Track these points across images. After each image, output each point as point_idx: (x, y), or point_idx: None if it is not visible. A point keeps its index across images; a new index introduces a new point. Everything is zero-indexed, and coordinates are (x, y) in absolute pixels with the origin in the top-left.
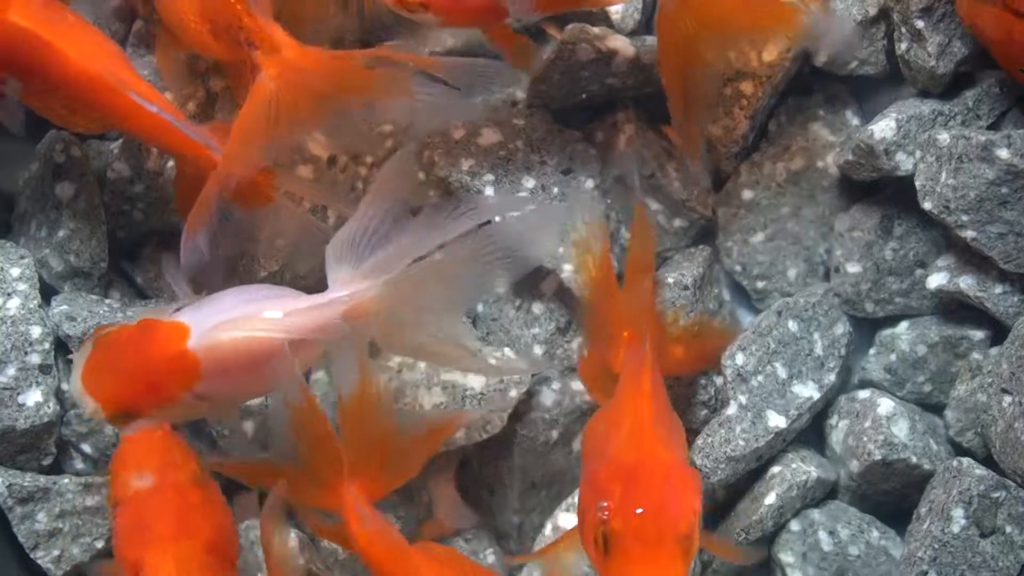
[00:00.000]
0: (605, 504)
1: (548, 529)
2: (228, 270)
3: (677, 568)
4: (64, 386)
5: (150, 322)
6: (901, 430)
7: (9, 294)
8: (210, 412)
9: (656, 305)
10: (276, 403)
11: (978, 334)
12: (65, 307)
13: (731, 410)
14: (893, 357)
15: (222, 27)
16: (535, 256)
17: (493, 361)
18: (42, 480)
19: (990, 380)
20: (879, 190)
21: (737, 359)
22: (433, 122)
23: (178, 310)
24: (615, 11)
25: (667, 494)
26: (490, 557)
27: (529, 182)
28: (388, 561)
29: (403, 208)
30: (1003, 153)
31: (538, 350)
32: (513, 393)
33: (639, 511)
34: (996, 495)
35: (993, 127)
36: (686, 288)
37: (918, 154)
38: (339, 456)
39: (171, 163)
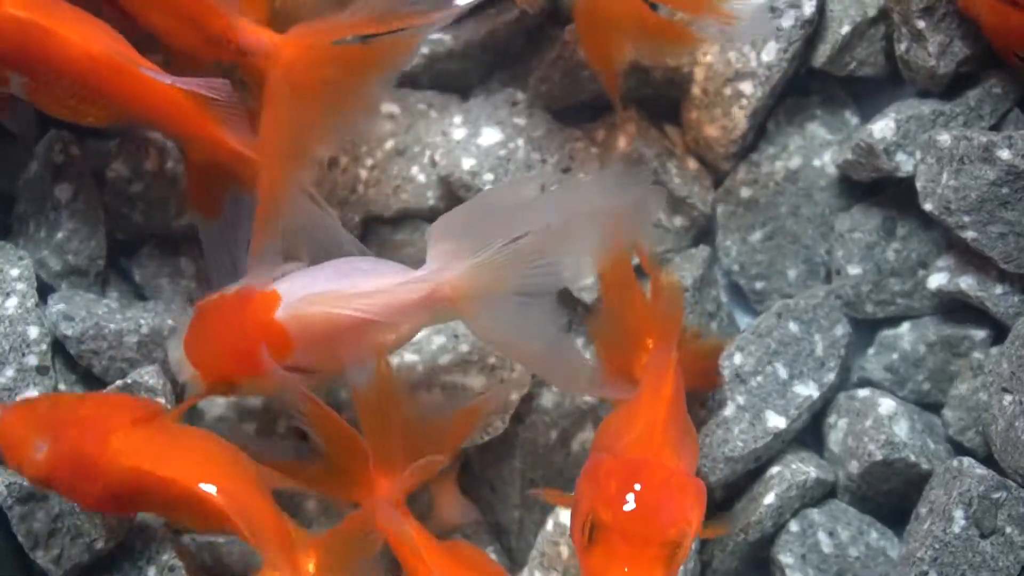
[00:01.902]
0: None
1: (549, 525)
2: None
3: (657, 573)
4: (62, 386)
5: (246, 290)
6: (902, 429)
7: (7, 294)
8: (307, 384)
9: (683, 313)
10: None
11: (979, 334)
12: (62, 306)
13: (728, 411)
14: (895, 356)
15: (215, 41)
16: (628, 241)
17: (583, 382)
18: None
19: (991, 379)
20: (879, 191)
21: (735, 359)
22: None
23: (279, 278)
24: None
25: (663, 497)
26: (491, 555)
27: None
28: (411, 558)
29: (514, 195)
30: (1004, 154)
31: None
32: (514, 396)
33: (631, 507)
34: (996, 496)
35: (995, 128)
36: (685, 290)
37: (918, 155)
38: (363, 450)
39: (170, 163)
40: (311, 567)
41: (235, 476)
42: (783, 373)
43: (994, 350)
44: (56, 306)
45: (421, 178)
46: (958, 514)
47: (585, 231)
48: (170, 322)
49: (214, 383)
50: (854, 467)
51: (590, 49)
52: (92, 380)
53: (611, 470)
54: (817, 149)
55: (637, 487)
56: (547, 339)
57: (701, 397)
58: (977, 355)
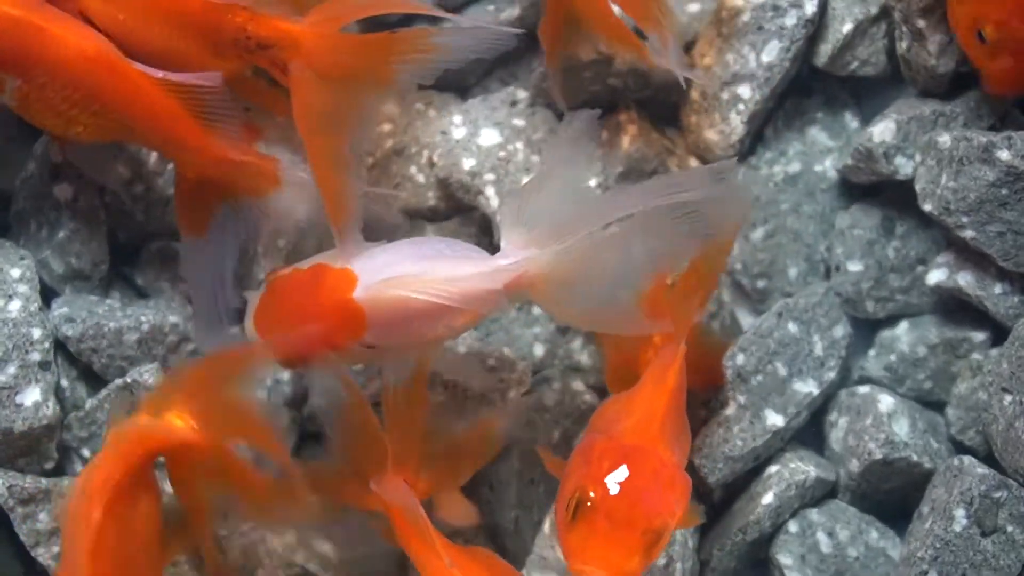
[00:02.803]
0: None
1: (546, 526)
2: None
3: (634, 559)
4: (64, 383)
5: (321, 267)
6: (902, 428)
7: (10, 296)
8: (385, 359)
9: (701, 311)
10: (318, 398)
11: (979, 336)
12: (65, 309)
13: (730, 410)
14: (893, 357)
15: (227, 44)
16: (715, 234)
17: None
18: (44, 482)
19: (990, 379)
20: (878, 192)
21: (738, 360)
22: (466, 60)
23: (353, 255)
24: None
25: (652, 486)
26: None
27: None
28: (420, 549)
29: (583, 171)
30: (1003, 155)
31: (539, 350)
32: (513, 394)
33: (619, 491)
34: (997, 495)
35: (994, 128)
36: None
37: (918, 157)
38: (384, 449)
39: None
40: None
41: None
42: (782, 371)
43: (994, 351)
44: (59, 310)
45: (420, 178)
46: (959, 513)
47: (671, 229)
48: (172, 319)
49: (285, 360)
50: (854, 466)
51: (546, 34)
52: (92, 377)
53: (605, 451)
54: (817, 155)
55: (628, 472)
56: (618, 307)
57: (703, 397)
58: (976, 356)
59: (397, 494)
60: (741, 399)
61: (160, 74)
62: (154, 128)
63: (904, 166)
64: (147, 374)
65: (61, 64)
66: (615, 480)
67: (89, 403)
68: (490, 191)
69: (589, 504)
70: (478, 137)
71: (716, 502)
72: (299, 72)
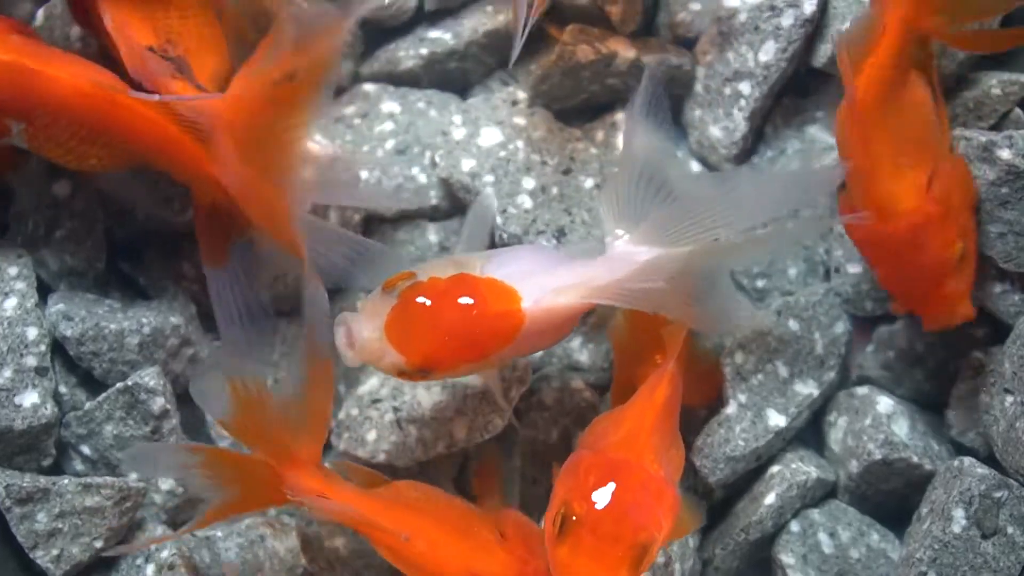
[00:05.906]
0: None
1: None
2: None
3: (621, 573)
4: (62, 388)
5: (469, 279)
6: (901, 428)
7: (6, 293)
8: (488, 370)
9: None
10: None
11: (978, 332)
12: (62, 306)
13: (731, 409)
14: (891, 354)
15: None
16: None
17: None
18: (41, 481)
19: (992, 379)
20: None
21: (736, 357)
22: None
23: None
24: (615, 12)
25: (639, 500)
26: None
27: (529, 183)
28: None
29: (662, 160)
30: (1004, 154)
31: None
32: (514, 392)
33: (605, 505)
34: (998, 495)
35: (995, 128)
36: None
37: None
38: (260, 459)
39: None
40: None
41: None
42: (783, 371)
43: (994, 349)
44: (55, 306)
45: (422, 178)
46: (958, 514)
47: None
48: (173, 320)
49: (418, 370)
50: (854, 466)
51: None
52: (92, 382)
53: (591, 466)
54: (819, 153)
55: (614, 486)
56: (716, 303)
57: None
58: (977, 354)
59: (297, 484)
60: (742, 399)
61: (156, 97)
62: (160, 154)
63: None
64: (148, 378)
65: (60, 103)
66: (601, 495)
67: (88, 404)
68: (489, 191)
69: (575, 519)
70: (478, 137)
71: (717, 502)
72: (225, 140)
